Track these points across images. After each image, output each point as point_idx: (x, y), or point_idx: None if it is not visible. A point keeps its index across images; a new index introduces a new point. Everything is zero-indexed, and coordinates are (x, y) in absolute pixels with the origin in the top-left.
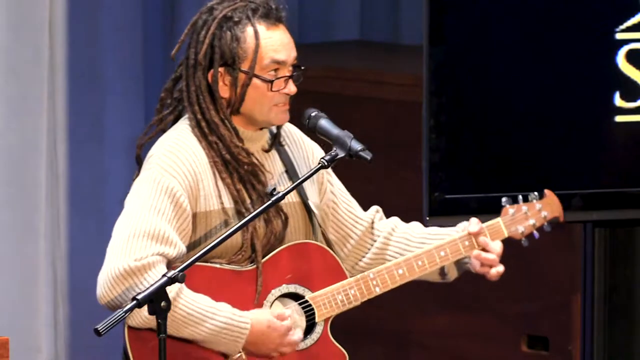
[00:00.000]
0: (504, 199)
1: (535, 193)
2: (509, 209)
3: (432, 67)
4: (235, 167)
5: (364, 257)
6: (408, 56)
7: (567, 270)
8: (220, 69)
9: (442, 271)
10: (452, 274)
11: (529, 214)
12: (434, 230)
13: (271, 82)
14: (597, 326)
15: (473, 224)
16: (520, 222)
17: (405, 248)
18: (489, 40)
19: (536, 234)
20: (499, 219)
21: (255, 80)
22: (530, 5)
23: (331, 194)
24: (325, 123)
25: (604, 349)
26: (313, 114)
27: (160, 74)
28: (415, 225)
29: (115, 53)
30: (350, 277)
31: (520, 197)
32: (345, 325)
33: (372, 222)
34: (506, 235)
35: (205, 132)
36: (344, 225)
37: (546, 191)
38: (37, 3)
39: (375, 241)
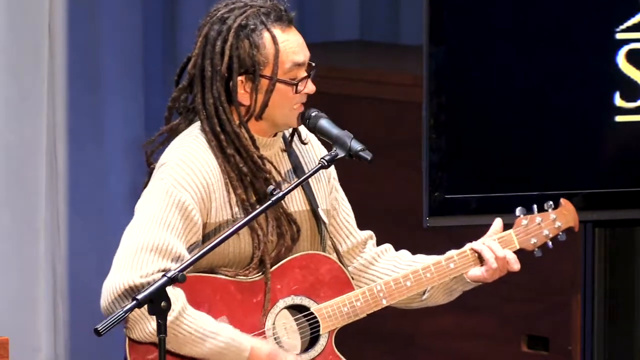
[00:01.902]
0: (517, 210)
1: (551, 202)
2: (522, 220)
3: (432, 67)
4: (252, 181)
5: (348, 267)
6: (408, 56)
7: (567, 270)
8: (241, 77)
9: (448, 290)
10: (458, 291)
11: (543, 224)
12: (421, 257)
13: (296, 84)
14: (597, 326)
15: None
16: (533, 233)
17: (395, 264)
18: (489, 40)
19: (550, 244)
20: (511, 231)
21: (278, 85)
22: (530, 5)
23: (335, 200)
24: (325, 123)
25: (604, 349)
26: (313, 114)
27: (160, 74)
28: (404, 252)
29: (115, 53)
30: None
31: (535, 207)
32: (349, 326)
33: (365, 241)
34: (518, 247)
35: (223, 145)
36: (337, 233)
37: (562, 200)
38: (37, 3)
39: (364, 252)
